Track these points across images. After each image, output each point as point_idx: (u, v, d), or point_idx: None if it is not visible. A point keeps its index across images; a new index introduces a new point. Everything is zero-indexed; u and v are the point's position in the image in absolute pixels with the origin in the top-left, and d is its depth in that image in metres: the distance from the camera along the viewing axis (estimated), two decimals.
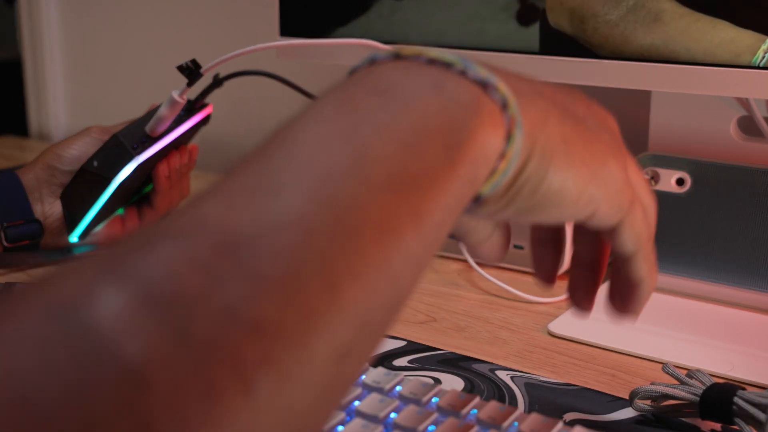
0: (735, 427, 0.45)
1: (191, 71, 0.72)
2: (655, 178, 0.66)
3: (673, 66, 0.59)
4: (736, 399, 0.44)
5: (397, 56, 0.30)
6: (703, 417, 0.45)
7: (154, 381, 0.19)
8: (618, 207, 0.33)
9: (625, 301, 0.39)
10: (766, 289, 0.62)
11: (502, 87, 0.29)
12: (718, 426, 0.46)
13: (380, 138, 0.26)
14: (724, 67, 0.57)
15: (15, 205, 0.71)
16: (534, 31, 0.65)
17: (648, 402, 0.47)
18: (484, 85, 0.29)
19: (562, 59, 0.64)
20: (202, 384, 0.20)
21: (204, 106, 0.77)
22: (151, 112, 0.73)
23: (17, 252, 0.72)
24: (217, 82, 0.75)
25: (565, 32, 0.63)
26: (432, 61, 0.29)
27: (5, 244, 0.71)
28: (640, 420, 0.47)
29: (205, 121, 0.78)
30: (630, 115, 0.84)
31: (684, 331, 0.59)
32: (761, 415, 0.43)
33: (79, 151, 0.73)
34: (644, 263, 0.36)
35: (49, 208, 0.72)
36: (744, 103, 0.64)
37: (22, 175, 0.73)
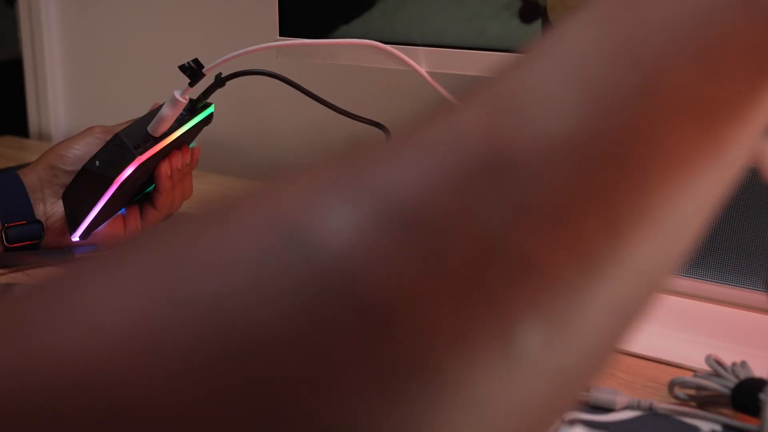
0: (758, 421, 0.46)
1: (193, 71, 0.72)
2: None
3: None
4: (761, 394, 0.45)
5: None
6: (736, 409, 0.46)
7: (400, 318, 0.16)
8: None
9: None
10: (766, 289, 0.62)
11: None
12: (719, 427, 0.46)
13: (675, 54, 0.22)
14: None
15: (16, 206, 0.71)
16: (536, 29, 0.65)
17: (691, 392, 0.49)
18: None
19: None
20: (456, 326, 0.17)
21: (206, 105, 0.77)
22: (153, 112, 0.73)
23: (18, 252, 0.72)
24: (219, 81, 0.75)
25: None
26: None
27: (6, 244, 0.71)
28: (640, 420, 0.47)
29: (208, 120, 0.78)
30: None
31: (684, 331, 0.59)
32: None
33: (82, 151, 0.73)
34: None
35: (51, 208, 0.72)
36: None
37: (24, 175, 0.73)
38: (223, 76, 0.75)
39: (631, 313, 0.21)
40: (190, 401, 0.15)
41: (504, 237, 0.18)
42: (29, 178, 0.72)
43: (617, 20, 0.22)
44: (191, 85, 0.72)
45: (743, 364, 0.50)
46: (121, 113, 1.24)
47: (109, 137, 0.73)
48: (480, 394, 0.17)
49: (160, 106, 0.73)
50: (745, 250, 0.62)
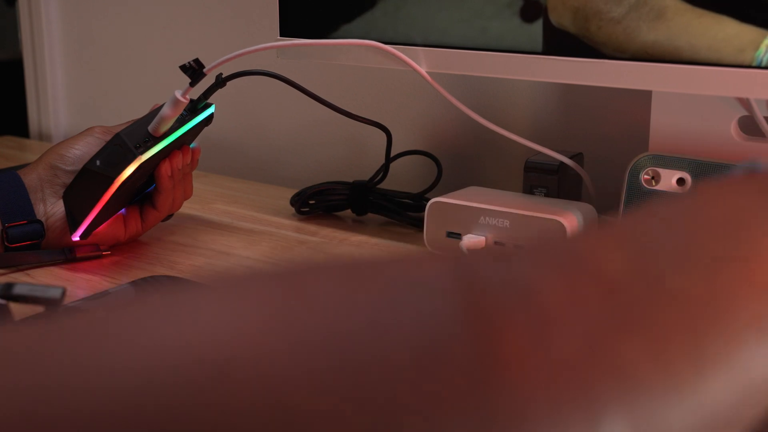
0: None
1: (194, 71, 0.72)
2: (655, 178, 0.66)
3: (673, 66, 0.59)
4: None
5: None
6: None
7: (507, 376, 0.20)
8: None
9: None
10: None
11: None
12: None
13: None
14: (726, 66, 0.57)
15: (16, 206, 0.71)
16: (537, 28, 0.65)
17: None
18: None
19: (564, 59, 0.64)
20: (550, 399, 0.20)
21: (206, 105, 0.77)
22: (154, 112, 0.73)
23: (19, 252, 0.72)
24: (220, 82, 0.75)
25: (568, 31, 0.63)
26: None
27: (6, 244, 0.71)
28: None
29: (208, 120, 0.78)
30: (630, 115, 0.84)
31: None
32: None
33: (82, 150, 0.73)
34: None
35: (51, 208, 0.72)
36: (745, 103, 0.64)
37: (24, 175, 0.73)
38: (223, 76, 0.75)
39: (720, 426, 0.23)
40: (330, 399, 0.18)
41: (604, 337, 0.21)
42: (29, 178, 0.72)
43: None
44: (192, 85, 0.72)
45: None
46: (121, 113, 1.24)
47: (109, 137, 0.73)
48: None
49: (161, 107, 0.73)
50: None
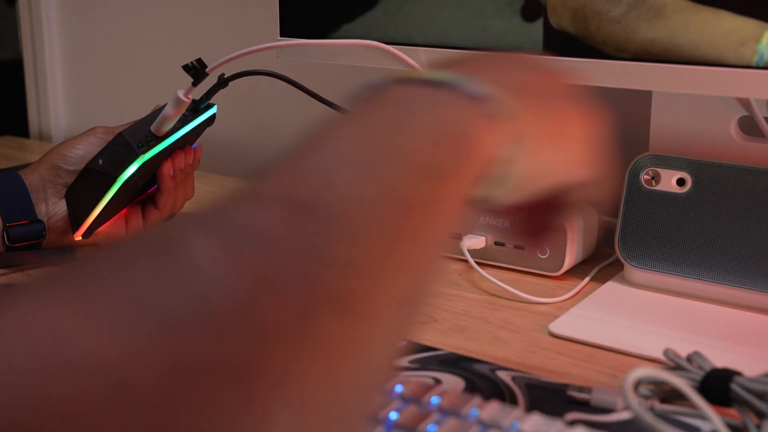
0: (733, 411, 0.46)
1: (197, 71, 0.72)
2: (655, 178, 0.66)
3: (673, 66, 0.59)
4: (732, 385, 0.45)
5: (408, 79, 0.35)
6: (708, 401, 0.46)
7: (262, 301, 0.24)
8: (594, 169, 0.42)
9: (540, 240, 0.46)
10: (766, 289, 0.62)
11: (501, 100, 0.35)
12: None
13: (411, 136, 0.31)
14: (726, 66, 0.57)
15: (18, 205, 0.71)
16: (538, 27, 0.65)
17: (650, 387, 0.48)
18: (483, 99, 0.34)
19: (564, 59, 0.64)
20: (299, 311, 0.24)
21: (209, 106, 0.77)
22: (156, 112, 0.74)
23: (20, 252, 0.72)
24: (222, 82, 0.75)
25: (568, 32, 0.63)
26: (439, 84, 0.34)
27: (8, 244, 0.71)
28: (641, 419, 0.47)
29: (210, 121, 0.78)
30: (630, 115, 0.84)
31: (684, 331, 0.59)
32: (755, 400, 0.44)
33: (84, 150, 0.73)
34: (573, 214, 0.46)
35: (53, 208, 0.72)
36: (744, 103, 0.64)
37: (26, 175, 0.73)
38: (225, 76, 0.75)
39: (414, 306, 0.31)
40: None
41: (325, 246, 0.26)
42: (31, 178, 0.73)
43: (371, 119, 0.33)
44: (195, 84, 0.72)
45: (699, 355, 0.50)
46: (122, 113, 1.24)
47: (111, 137, 0.73)
48: None
49: (163, 107, 0.73)
50: (745, 250, 0.62)
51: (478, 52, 0.41)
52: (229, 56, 0.73)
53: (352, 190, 0.28)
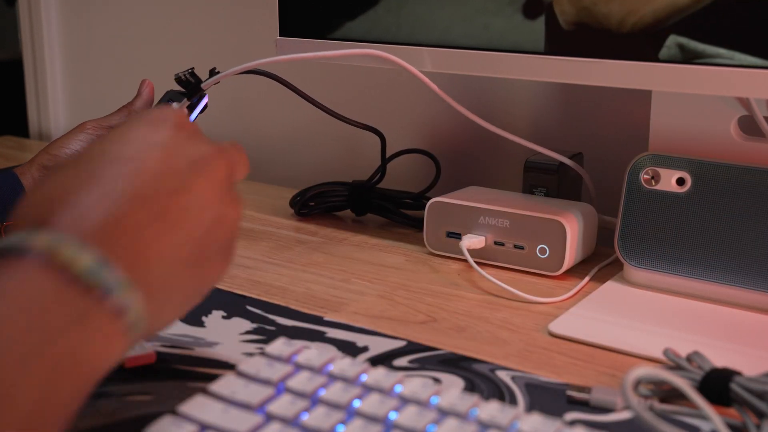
0: (733, 411, 0.46)
1: (189, 84, 0.72)
2: (655, 177, 0.66)
3: (673, 66, 0.59)
4: (732, 385, 0.45)
5: (48, 261, 0.32)
6: (708, 400, 0.47)
7: None
8: None
9: None
10: (765, 288, 0.62)
11: (135, 308, 0.34)
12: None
13: (23, 373, 0.28)
14: (725, 66, 0.57)
15: (15, 205, 0.71)
16: (540, 25, 0.65)
17: (650, 386, 0.48)
18: (120, 311, 0.33)
19: (565, 59, 0.64)
20: None
21: (200, 96, 0.77)
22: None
23: None
24: (214, 74, 0.75)
25: (569, 19, 0.63)
26: (77, 278, 0.32)
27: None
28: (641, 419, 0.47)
29: (204, 109, 0.78)
30: (630, 115, 0.84)
31: (684, 331, 0.59)
32: (755, 400, 0.44)
33: (73, 149, 0.73)
34: None
35: None
36: (744, 102, 0.64)
37: (18, 176, 0.73)
38: (217, 71, 0.75)
39: None
40: None
41: None
42: (23, 179, 0.72)
43: None
44: (189, 98, 0.72)
45: (698, 354, 0.50)
46: None
47: (100, 132, 0.74)
48: None
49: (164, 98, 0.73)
50: (745, 250, 0.62)
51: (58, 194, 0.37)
52: (223, 72, 0.73)
53: None
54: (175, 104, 0.72)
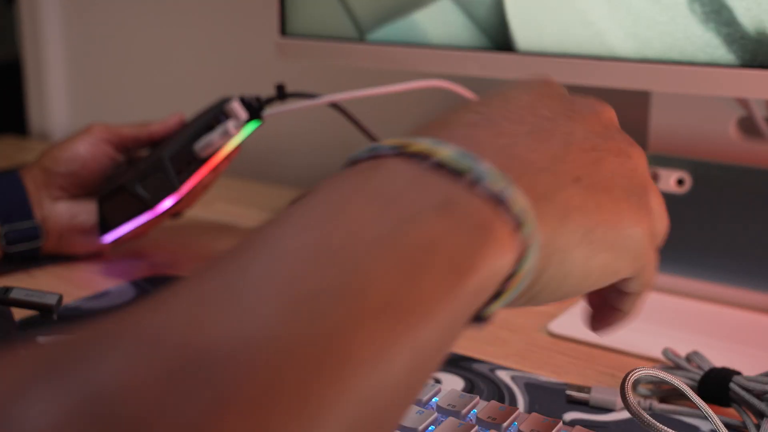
0: (732, 410, 0.46)
1: (252, 109, 0.71)
2: (655, 178, 0.66)
3: (673, 66, 0.59)
4: (731, 385, 0.45)
5: (401, 152, 0.28)
6: (706, 400, 0.46)
7: None
8: (639, 265, 0.34)
9: (606, 323, 0.39)
10: (765, 289, 0.62)
11: (518, 200, 0.27)
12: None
13: (374, 258, 0.24)
14: (725, 67, 0.57)
15: (16, 206, 0.71)
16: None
17: (649, 386, 0.48)
18: (497, 200, 0.27)
19: (565, 59, 0.64)
20: None
21: (257, 119, 0.73)
22: (196, 121, 0.71)
23: (16, 255, 0.71)
24: (282, 96, 0.74)
25: None
26: (440, 165, 0.27)
27: (4, 245, 0.70)
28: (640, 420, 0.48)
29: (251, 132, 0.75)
30: (630, 115, 0.84)
31: (684, 331, 0.59)
32: (754, 400, 0.44)
33: (76, 152, 0.72)
34: (639, 300, 0.36)
35: (48, 211, 0.72)
36: (744, 103, 0.64)
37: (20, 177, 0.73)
38: (285, 91, 0.73)
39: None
40: None
41: (201, 425, 0.19)
42: (25, 181, 0.72)
43: (326, 224, 0.25)
44: (248, 122, 0.71)
45: (698, 354, 0.50)
46: (122, 113, 1.24)
47: (108, 137, 0.73)
48: None
49: (202, 117, 0.71)
50: (745, 250, 0.62)
51: (483, 100, 0.33)
52: (287, 107, 0.71)
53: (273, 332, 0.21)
54: (231, 123, 0.70)
